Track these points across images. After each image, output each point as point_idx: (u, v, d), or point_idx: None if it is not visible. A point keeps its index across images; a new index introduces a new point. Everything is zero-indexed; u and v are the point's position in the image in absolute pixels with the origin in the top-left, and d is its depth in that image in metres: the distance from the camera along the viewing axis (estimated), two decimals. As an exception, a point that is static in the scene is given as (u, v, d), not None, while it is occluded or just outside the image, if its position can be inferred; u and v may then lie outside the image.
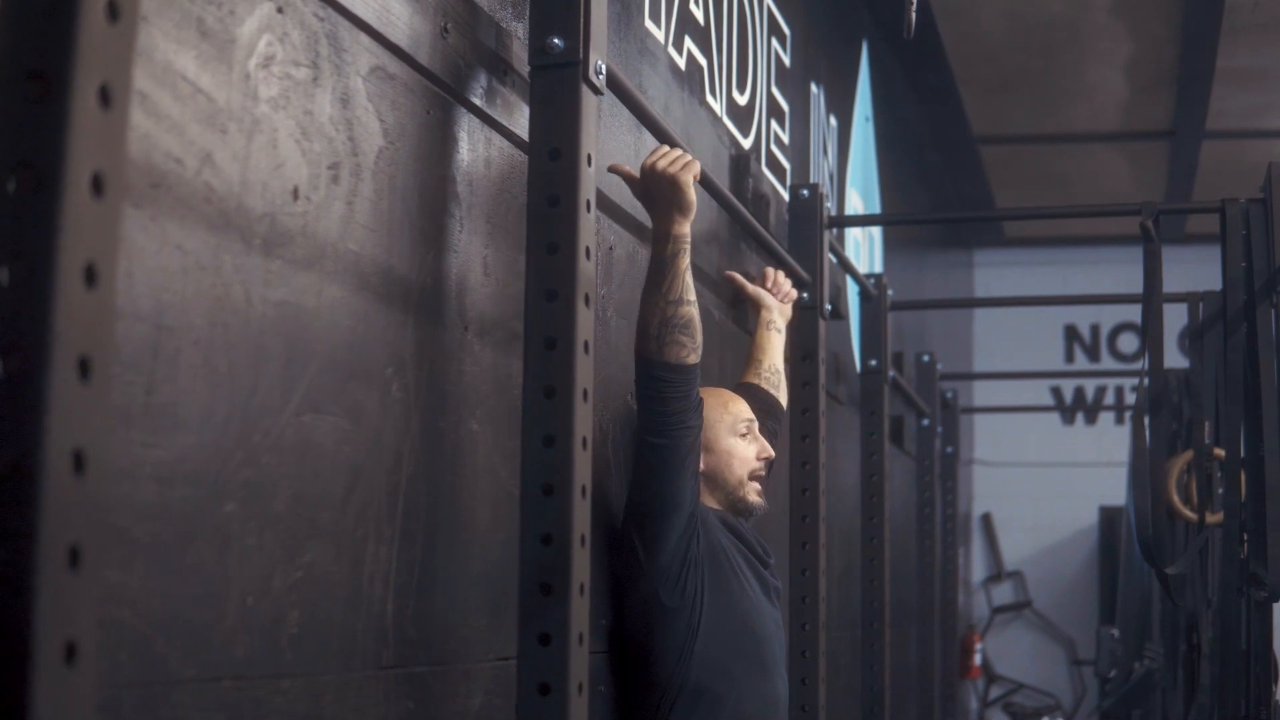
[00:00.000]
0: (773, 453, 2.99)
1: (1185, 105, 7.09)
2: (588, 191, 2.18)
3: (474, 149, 2.23)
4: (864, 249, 5.99)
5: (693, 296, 2.69)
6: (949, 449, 7.49)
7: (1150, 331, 3.96)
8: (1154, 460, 3.92)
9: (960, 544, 9.34)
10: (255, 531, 1.66)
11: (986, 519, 10.08)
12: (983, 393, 9.38)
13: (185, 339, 1.55)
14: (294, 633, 1.72)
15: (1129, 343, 9.99)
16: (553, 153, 2.18)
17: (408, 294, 2.01)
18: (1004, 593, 10.02)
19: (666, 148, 2.72)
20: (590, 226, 2.18)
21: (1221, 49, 6.30)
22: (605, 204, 2.85)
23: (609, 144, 2.90)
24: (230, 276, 1.63)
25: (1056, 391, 9.89)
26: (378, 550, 1.91)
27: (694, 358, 2.68)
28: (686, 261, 2.68)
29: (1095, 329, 10.11)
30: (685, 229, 2.69)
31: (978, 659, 9.23)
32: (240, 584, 1.63)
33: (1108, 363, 9.98)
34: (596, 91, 2.23)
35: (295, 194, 1.75)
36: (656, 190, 2.67)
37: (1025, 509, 9.84)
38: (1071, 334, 10.06)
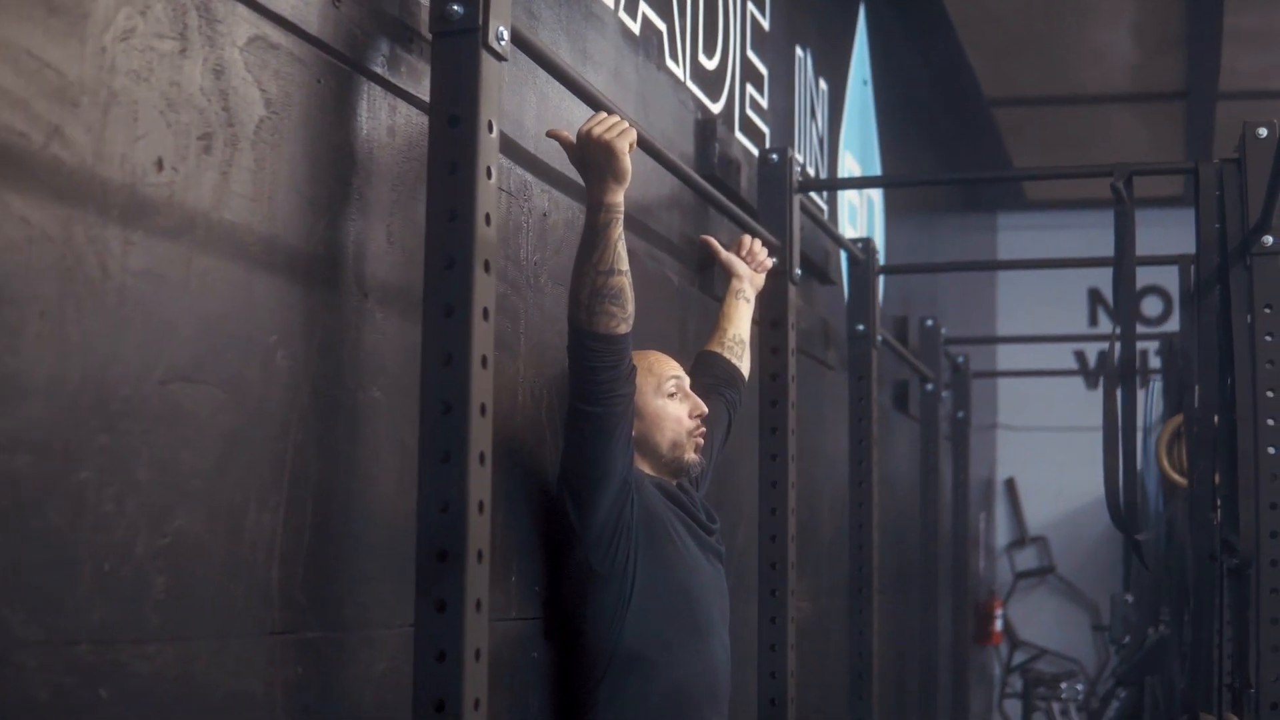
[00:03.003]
0: (705, 409, 2.98)
1: (1196, 66, 7.01)
2: (488, 158, 2.19)
3: (375, 117, 2.24)
4: (861, 214, 5.97)
5: (625, 266, 2.68)
6: (960, 414, 7.47)
7: (1122, 296, 3.93)
8: (1125, 427, 3.88)
9: (982, 509, 9.33)
10: (114, 498, 1.67)
11: (1010, 484, 10.04)
12: (1007, 357, 9.34)
13: (30, 310, 1.57)
14: (160, 598, 1.75)
15: (1153, 305, 9.91)
16: (452, 119, 2.18)
17: (294, 263, 2.02)
18: (1027, 558, 9.99)
19: (604, 114, 2.71)
20: (491, 193, 2.19)
21: (1228, 8, 6.23)
22: (541, 169, 2.85)
23: (557, 113, 2.91)
24: (83, 247, 1.65)
25: (1080, 355, 9.82)
26: (260, 517, 1.93)
27: (624, 328, 2.68)
28: (619, 231, 2.68)
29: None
30: (618, 198, 2.68)
31: (999, 624, 9.21)
32: (96, 550, 1.65)
33: (1131, 326, 9.88)
34: (499, 57, 2.23)
35: (160, 165, 1.76)
36: (591, 157, 2.67)
37: (1049, 474, 9.79)
38: (1095, 297, 9.98)
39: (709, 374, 3.34)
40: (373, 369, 2.21)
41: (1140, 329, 9.65)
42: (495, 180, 2.20)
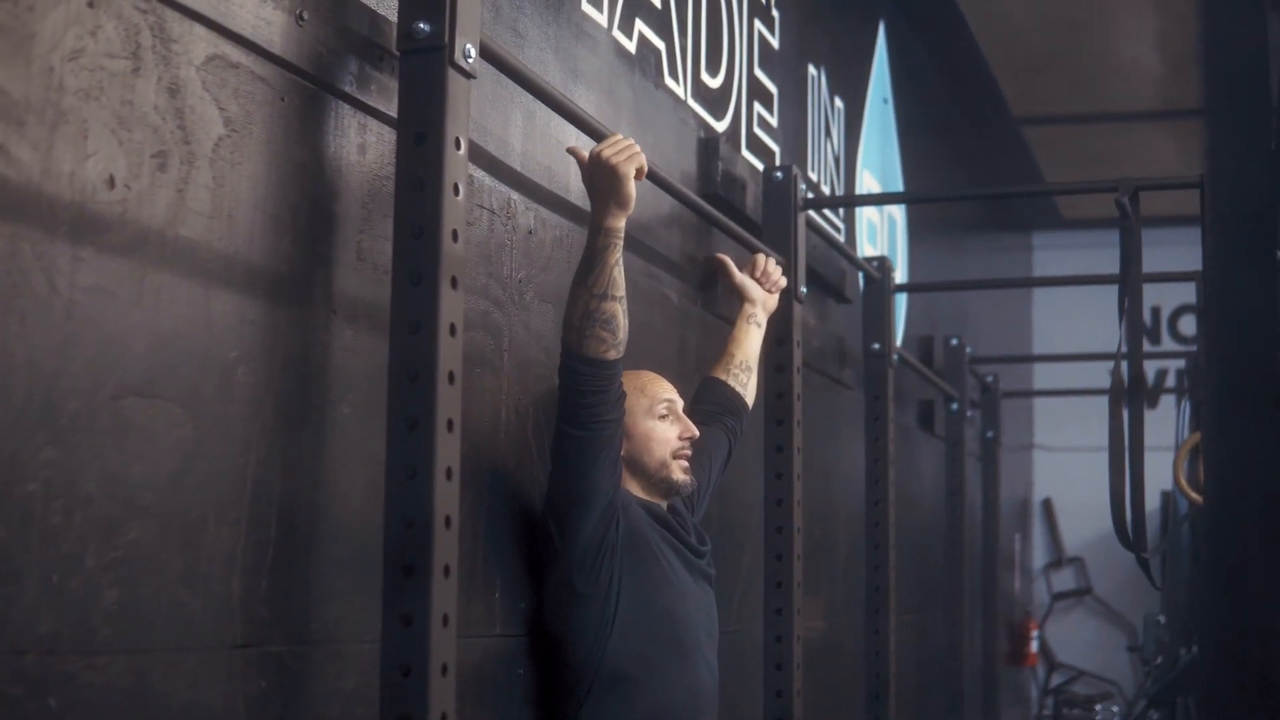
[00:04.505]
0: (696, 431, 2.98)
1: (1222, 81, 6.95)
2: (455, 175, 2.20)
3: (343, 135, 2.26)
4: (882, 233, 5.96)
5: (620, 293, 2.67)
6: (989, 433, 7.43)
7: (1129, 312, 3.90)
8: (1132, 445, 3.85)
9: (1018, 530, 9.27)
10: (61, 511, 1.69)
11: (1047, 504, 9.98)
12: (1045, 378, 9.28)
13: (-27, 324, 1.59)
14: (112, 610, 1.76)
15: (1191, 325, 9.83)
16: (418, 136, 2.20)
17: (255, 280, 2.04)
18: (1065, 579, 9.92)
19: (618, 136, 2.72)
20: (458, 210, 2.20)
21: (1252, 22, 6.18)
22: (528, 187, 2.87)
23: (545, 131, 2.93)
24: (29, 264, 1.67)
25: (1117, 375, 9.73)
26: (219, 531, 1.95)
27: (614, 354, 2.67)
28: (616, 256, 2.67)
29: (1156, 311, 9.96)
30: (619, 223, 2.68)
31: (1034, 646, 9.14)
32: (43, 561, 1.67)
33: (1169, 345, 9.83)
34: (467, 75, 2.25)
35: (111, 182, 1.78)
36: (598, 179, 2.67)
37: (1086, 494, 9.66)
38: (1132, 316, 9.88)
39: (711, 401, 3.33)
40: (341, 385, 2.23)
41: (1176, 348, 9.61)
42: (463, 197, 2.21)
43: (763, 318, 3.55)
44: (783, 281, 3.66)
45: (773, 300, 3.62)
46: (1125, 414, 3.88)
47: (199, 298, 1.93)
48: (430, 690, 2.09)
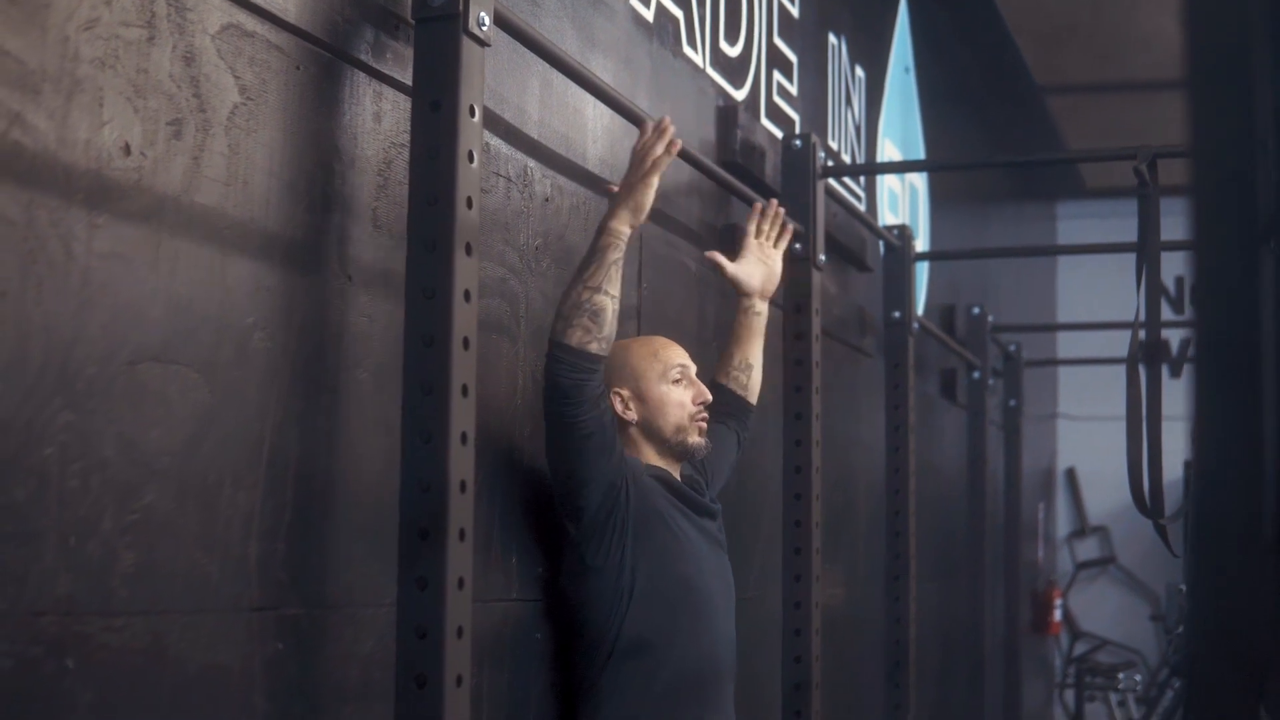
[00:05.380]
0: (709, 396, 2.97)
1: (1247, 49, 6.92)
2: (469, 143, 2.22)
3: (359, 103, 2.27)
4: (903, 202, 5.95)
5: (615, 291, 2.65)
6: (1012, 402, 7.43)
7: (1147, 280, 3.90)
8: (1150, 411, 3.85)
9: (1041, 499, 9.27)
10: (78, 474, 1.72)
11: (1071, 473, 9.98)
12: (1069, 347, 9.26)
13: (-10, 291, 1.61)
14: (129, 572, 1.79)
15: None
16: (433, 104, 2.22)
17: (271, 247, 2.06)
18: (1088, 548, 9.93)
19: (650, 129, 2.73)
20: (472, 177, 2.22)
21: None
22: (544, 155, 2.88)
23: (562, 100, 2.94)
24: (45, 230, 1.69)
25: (1135, 342, 9.70)
26: (235, 496, 1.97)
27: (596, 347, 2.64)
28: (617, 256, 2.66)
29: (1180, 281, 9.91)
30: (625, 229, 2.67)
31: (1058, 615, 9.15)
32: (61, 524, 1.69)
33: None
34: (481, 43, 2.26)
35: (126, 149, 1.80)
36: (632, 171, 2.70)
37: (1110, 463, 9.63)
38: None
39: (712, 407, 3.27)
40: (358, 351, 2.25)
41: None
42: (477, 164, 2.23)
43: (761, 306, 3.37)
44: (789, 228, 3.53)
45: (772, 283, 3.42)
46: (1144, 381, 3.88)
47: (215, 264, 1.95)
48: (446, 652, 2.11)
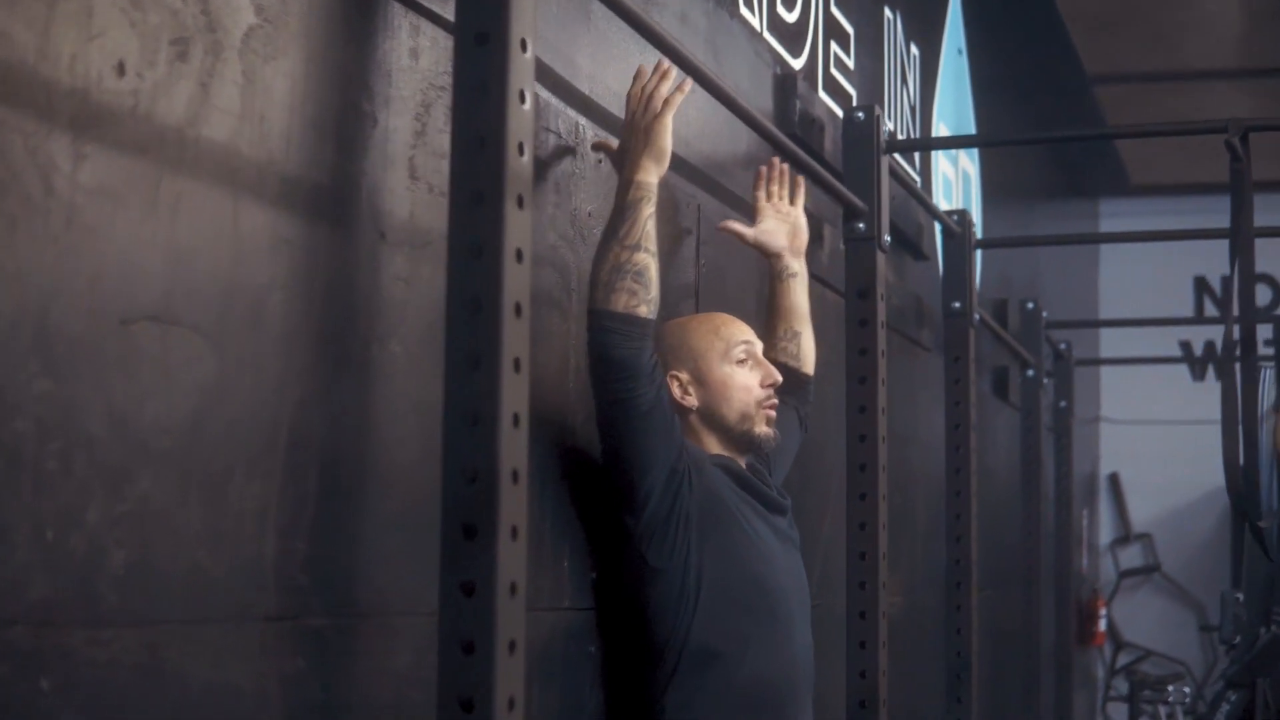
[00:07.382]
0: (779, 377, 2.68)
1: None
2: (522, 81, 1.91)
3: (393, 36, 1.98)
4: (957, 190, 5.65)
5: (653, 247, 2.39)
6: (1062, 403, 7.12)
7: (1241, 264, 3.58)
8: (1246, 407, 3.55)
9: (1084, 505, 8.96)
10: (58, 455, 1.42)
11: (1114, 479, 9.68)
12: (1110, 347, 9.00)
13: (-51, 228, 1.32)
14: (118, 573, 1.49)
15: (1261, 295, 9.48)
16: (479, 37, 1.91)
17: (292, 193, 1.76)
18: (1132, 556, 9.63)
19: (646, 70, 2.44)
20: (525, 120, 1.91)
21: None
22: (596, 113, 2.61)
23: (614, 53, 2.64)
24: (21, 158, 1.39)
25: (1186, 345, 9.43)
26: (248, 485, 1.67)
27: (645, 310, 2.37)
28: (650, 210, 2.39)
29: (1226, 281, 9.61)
30: (653, 179, 2.41)
31: (1102, 624, 8.84)
32: (35, 514, 1.39)
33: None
34: (531, -34, 1.96)
35: (120, 69, 1.51)
36: (631, 125, 2.41)
37: (1154, 469, 9.42)
38: (1200, 286, 9.62)
39: None
40: (391, 318, 1.95)
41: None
42: (530, 107, 1.92)
43: (797, 265, 3.07)
44: (800, 188, 3.17)
45: (801, 237, 3.11)
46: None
47: (225, 209, 1.66)
48: (496, 670, 1.80)
